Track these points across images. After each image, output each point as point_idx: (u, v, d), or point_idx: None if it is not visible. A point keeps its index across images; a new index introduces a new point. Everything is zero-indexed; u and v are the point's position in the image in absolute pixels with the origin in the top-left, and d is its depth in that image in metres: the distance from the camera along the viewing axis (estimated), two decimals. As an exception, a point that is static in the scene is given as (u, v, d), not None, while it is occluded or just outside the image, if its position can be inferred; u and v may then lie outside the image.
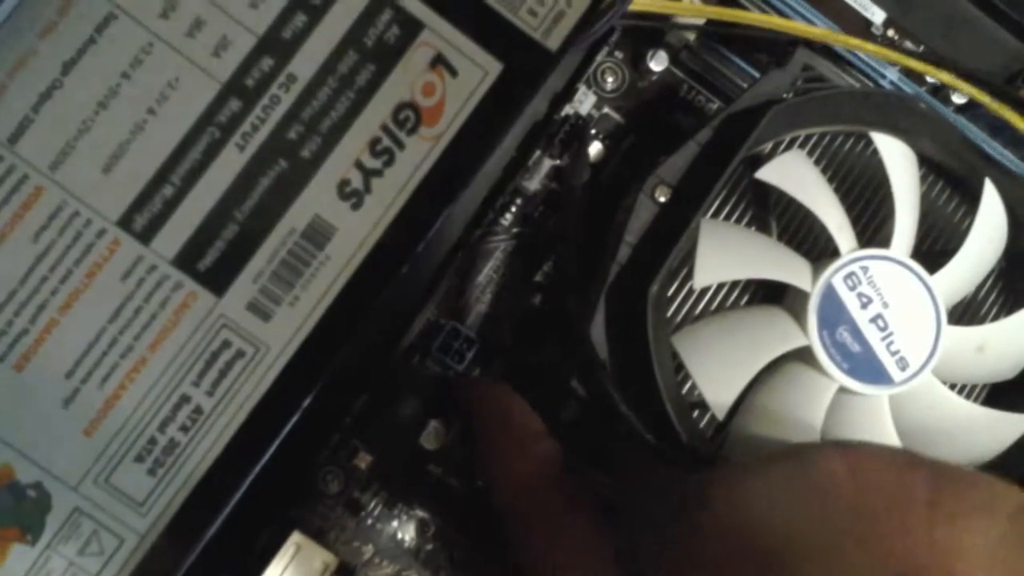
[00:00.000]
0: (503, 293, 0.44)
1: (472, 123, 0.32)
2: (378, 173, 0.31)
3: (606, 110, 0.45)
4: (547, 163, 0.45)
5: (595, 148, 0.45)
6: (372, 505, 0.42)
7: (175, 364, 0.31)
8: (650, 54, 0.45)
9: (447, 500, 0.43)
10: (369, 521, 0.42)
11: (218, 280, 0.31)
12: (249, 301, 0.31)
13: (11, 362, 0.30)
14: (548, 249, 0.45)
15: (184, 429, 0.31)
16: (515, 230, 0.45)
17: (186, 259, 0.31)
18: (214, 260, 0.31)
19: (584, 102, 0.44)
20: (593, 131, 0.45)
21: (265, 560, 0.39)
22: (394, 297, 0.36)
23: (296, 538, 0.40)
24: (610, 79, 0.45)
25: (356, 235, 0.32)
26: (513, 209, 0.45)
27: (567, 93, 0.44)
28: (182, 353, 0.31)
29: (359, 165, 0.31)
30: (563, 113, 0.45)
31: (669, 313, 0.41)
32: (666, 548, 0.31)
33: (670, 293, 0.42)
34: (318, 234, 0.31)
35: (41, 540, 0.30)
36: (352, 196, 0.32)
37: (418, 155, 0.32)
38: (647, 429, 0.39)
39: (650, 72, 0.45)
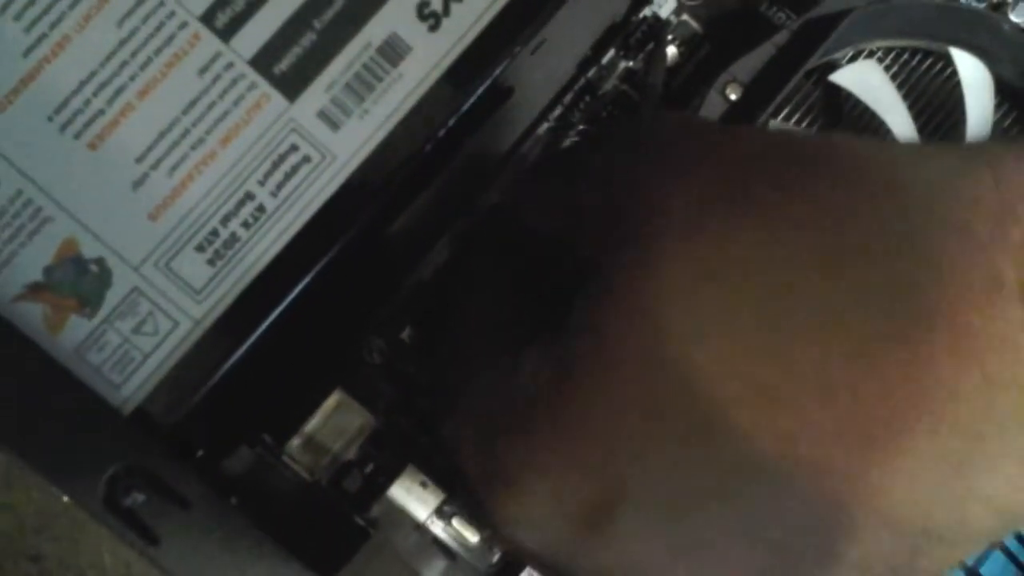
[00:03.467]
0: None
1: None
2: (458, -1, 0.32)
3: (684, 17, 0.45)
4: (621, 65, 0.45)
5: (670, 53, 0.45)
6: (413, 378, 0.43)
7: (243, 162, 0.32)
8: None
9: None
10: (411, 394, 0.43)
11: (292, 85, 0.32)
12: (320, 109, 0.32)
13: (86, 140, 0.31)
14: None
15: (246, 225, 0.32)
16: (581, 127, 0.45)
17: (263, 61, 0.32)
18: (290, 65, 0.32)
19: (663, 6, 0.45)
20: (669, 36, 0.45)
21: (305, 412, 0.39)
22: (459, 176, 0.37)
23: (338, 395, 0.40)
24: (692, -16, 0.45)
25: (430, 57, 0.32)
26: (582, 107, 0.45)
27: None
28: (250, 152, 0.32)
29: (440, -11, 0.32)
30: (641, 15, 0.45)
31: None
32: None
33: None
34: (393, 51, 0.32)
35: (98, 314, 0.31)
36: (430, 18, 0.33)
37: (497, -11, 0.32)
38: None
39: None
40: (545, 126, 0.44)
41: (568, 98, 0.43)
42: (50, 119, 0.31)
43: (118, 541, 0.39)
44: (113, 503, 0.29)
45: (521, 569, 0.41)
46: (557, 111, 0.44)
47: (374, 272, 0.40)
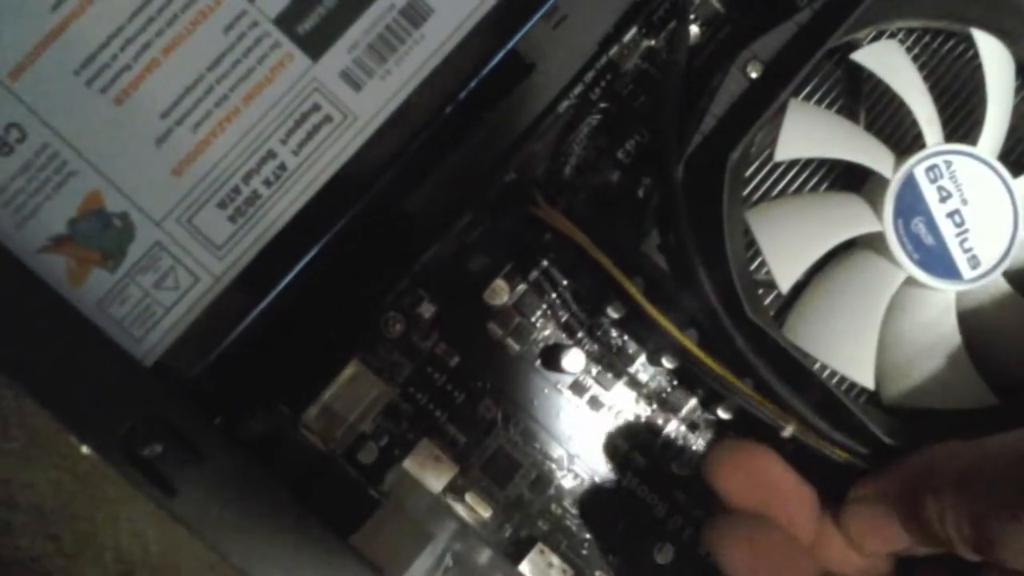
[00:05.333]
0: (583, 166, 0.45)
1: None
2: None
3: (707, -5, 0.45)
4: (643, 43, 0.45)
5: (692, 31, 0.46)
6: (429, 353, 0.43)
7: (265, 120, 0.32)
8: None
9: (503, 360, 0.43)
10: (428, 369, 0.43)
11: (315, 45, 0.32)
12: (343, 69, 0.32)
13: (112, 95, 0.32)
14: (633, 127, 0.45)
15: (267, 183, 0.32)
16: (602, 105, 0.45)
17: (287, 20, 0.32)
18: (313, 25, 0.32)
19: (686, -15, 0.45)
20: (691, 15, 0.45)
21: (322, 382, 0.40)
22: (480, 149, 0.37)
23: (355, 366, 0.40)
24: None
25: (452, 20, 0.33)
26: (603, 84, 0.45)
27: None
28: (273, 110, 0.32)
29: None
30: (664, -6, 0.45)
31: (746, 192, 0.42)
32: None
33: (749, 173, 0.42)
34: (416, 13, 0.33)
35: (121, 268, 0.32)
36: (453, -20, 0.33)
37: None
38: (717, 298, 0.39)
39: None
40: (566, 104, 0.44)
41: (590, 76, 0.43)
42: (77, 73, 0.31)
43: (135, 521, 0.40)
44: (132, 453, 0.29)
45: (530, 548, 0.41)
46: (578, 89, 0.43)
47: (394, 244, 0.40)
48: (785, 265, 0.40)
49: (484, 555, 0.34)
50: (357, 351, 0.42)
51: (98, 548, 0.47)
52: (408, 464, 0.41)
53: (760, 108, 0.41)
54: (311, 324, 0.39)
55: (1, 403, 0.45)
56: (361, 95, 0.32)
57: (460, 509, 0.41)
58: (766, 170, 0.42)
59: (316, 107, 0.32)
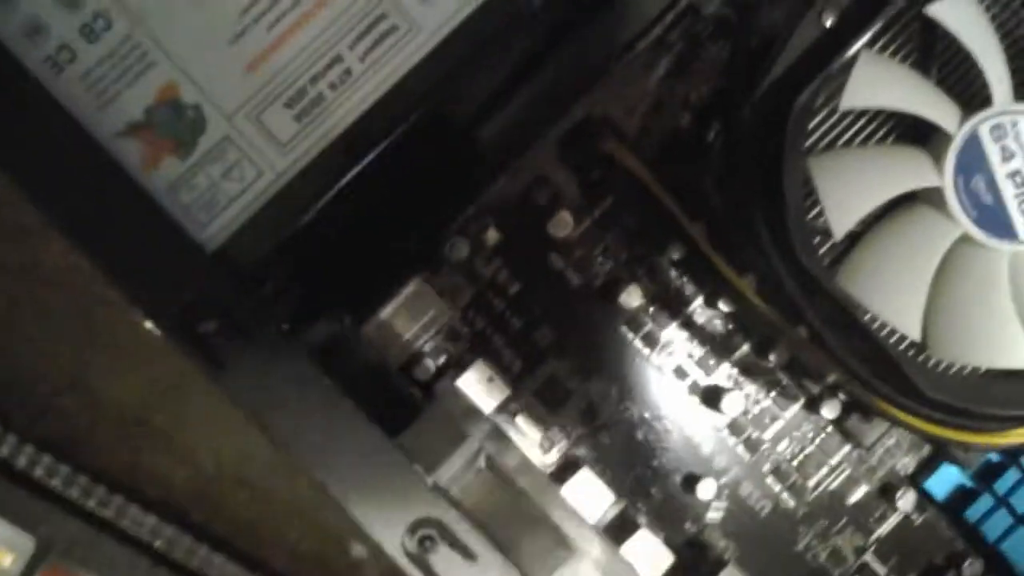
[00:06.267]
0: (657, 107, 0.46)
1: None
2: None
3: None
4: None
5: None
6: (491, 279, 0.44)
7: (335, 25, 0.34)
8: None
9: (562, 292, 0.45)
10: (488, 295, 0.44)
11: (388, -44, 0.33)
12: (413, -20, 0.34)
13: (192, -10, 0.33)
14: (709, 72, 0.46)
15: (333, 87, 0.34)
16: (680, 47, 0.46)
17: (364, -71, 0.33)
18: (388, -64, 0.33)
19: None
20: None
21: (384, 296, 0.41)
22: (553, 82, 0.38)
23: (416, 284, 0.42)
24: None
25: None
26: (683, 25, 0.45)
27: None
28: (343, 16, 0.34)
29: None
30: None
31: (812, 141, 0.42)
32: None
33: (817, 122, 0.43)
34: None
35: (191, 157, 0.34)
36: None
37: None
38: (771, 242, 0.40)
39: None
40: (644, 43, 0.44)
41: (670, 16, 0.44)
42: (163, -31, 0.33)
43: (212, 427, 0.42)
44: (187, 328, 0.31)
45: (577, 469, 0.42)
46: (658, 30, 0.44)
47: (463, 170, 0.41)
48: (841, 212, 0.41)
49: (515, 458, 0.35)
50: (420, 270, 0.43)
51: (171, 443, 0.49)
52: (461, 382, 0.42)
53: (830, 57, 0.42)
54: (375, 237, 0.40)
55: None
56: (427, 6, 0.34)
57: (511, 431, 0.42)
58: (833, 120, 0.43)
59: (384, 16, 0.34)
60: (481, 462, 0.35)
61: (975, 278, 0.41)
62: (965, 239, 0.41)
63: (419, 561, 0.32)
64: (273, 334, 0.31)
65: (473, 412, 0.36)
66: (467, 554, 0.31)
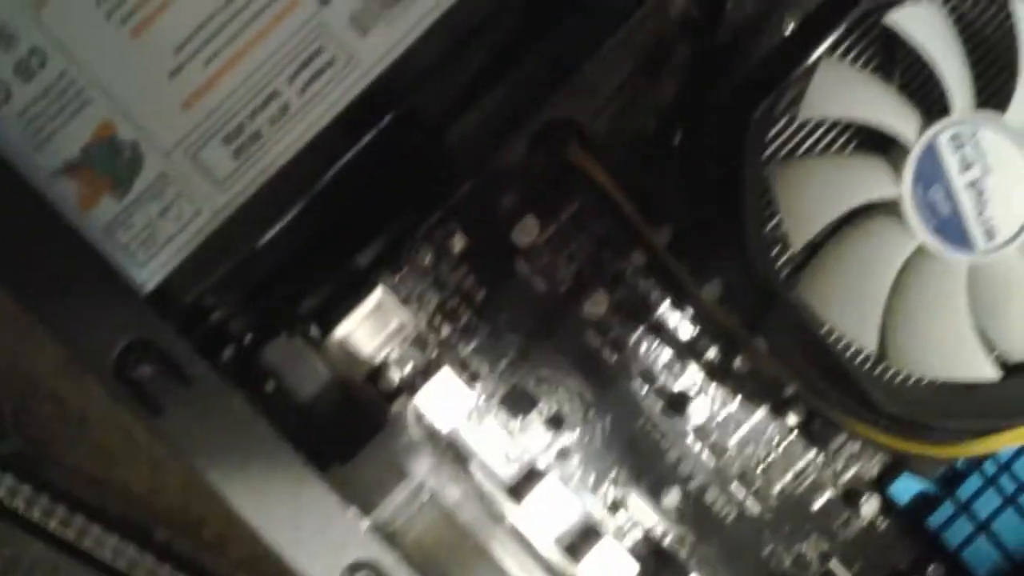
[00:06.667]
0: (623, 111, 0.45)
1: None
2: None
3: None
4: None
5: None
6: (456, 286, 0.44)
7: (273, 59, 0.33)
8: None
9: (528, 298, 0.45)
10: (453, 301, 0.44)
11: (326, -12, 0.33)
12: (351, 14, 0.33)
13: (130, 26, 0.33)
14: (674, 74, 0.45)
15: (272, 121, 0.33)
16: (647, 48, 0.45)
17: (299, -38, 0.33)
18: (325, -31, 0.33)
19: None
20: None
21: (345, 309, 0.41)
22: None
23: (379, 293, 0.42)
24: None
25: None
26: (650, 27, 0.45)
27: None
28: (281, 51, 0.33)
29: None
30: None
31: (773, 150, 0.42)
32: None
33: (778, 131, 0.42)
34: (425, -41, 0.33)
35: (129, 196, 0.33)
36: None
37: None
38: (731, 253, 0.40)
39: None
40: (610, 45, 0.44)
41: (637, 17, 0.44)
42: (98, 4, 0.33)
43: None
44: (123, 372, 0.31)
45: (542, 478, 0.43)
46: (623, 32, 0.44)
47: (429, 176, 0.41)
48: (799, 222, 0.41)
49: (458, 492, 0.36)
50: (384, 279, 0.43)
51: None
52: (424, 394, 0.41)
53: (789, 65, 0.41)
54: (335, 252, 0.40)
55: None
56: (367, 40, 0.33)
57: (475, 440, 0.42)
58: (793, 128, 0.43)
59: (322, 49, 0.33)
60: (425, 495, 0.35)
61: (933, 290, 0.41)
62: (923, 250, 0.40)
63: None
64: (212, 377, 0.31)
65: (418, 445, 0.36)
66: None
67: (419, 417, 0.41)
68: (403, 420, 0.39)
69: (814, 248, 0.41)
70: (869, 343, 0.41)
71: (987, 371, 0.40)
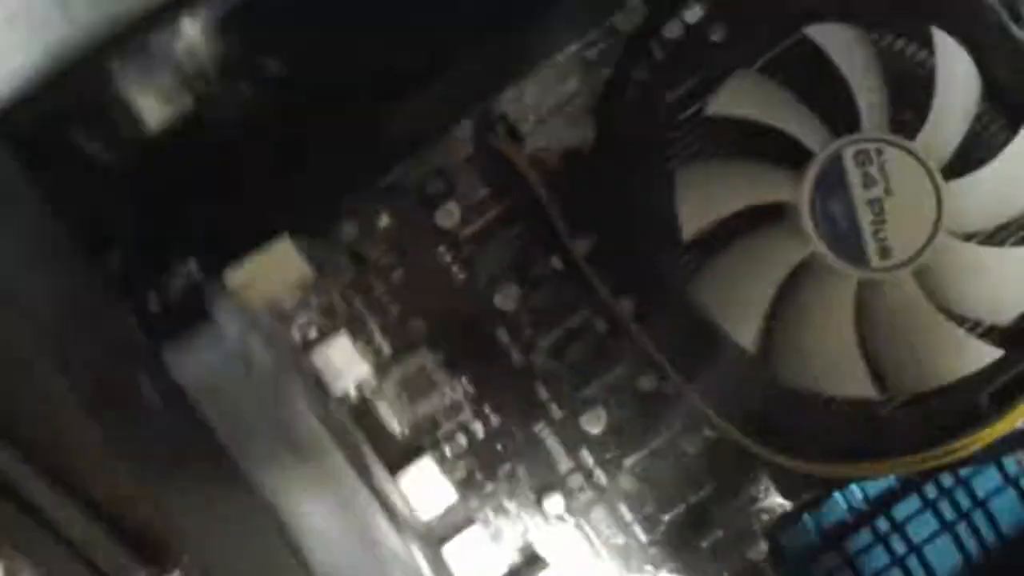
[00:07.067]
0: (566, 120, 0.47)
1: None
2: None
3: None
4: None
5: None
6: (376, 262, 0.45)
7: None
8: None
9: (448, 285, 0.45)
10: (369, 277, 0.45)
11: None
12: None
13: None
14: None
15: None
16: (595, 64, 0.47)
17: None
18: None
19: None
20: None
21: (246, 250, 0.42)
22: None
23: (285, 243, 0.42)
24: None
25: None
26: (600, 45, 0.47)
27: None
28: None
29: None
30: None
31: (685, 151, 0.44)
32: None
33: (686, 135, 0.45)
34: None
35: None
36: None
37: None
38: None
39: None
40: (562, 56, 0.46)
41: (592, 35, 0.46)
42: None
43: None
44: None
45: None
46: (576, 45, 0.47)
47: (367, 153, 0.43)
48: (691, 214, 0.42)
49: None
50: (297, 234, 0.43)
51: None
52: (319, 351, 0.42)
53: (693, 66, 0.44)
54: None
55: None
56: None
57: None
58: (704, 132, 0.44)
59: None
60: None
61: (822, 300, 0.41)
62: (818, 260, 0.40)
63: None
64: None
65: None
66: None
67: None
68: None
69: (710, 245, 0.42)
70: (747, 341, 0.41)
71: (867, 390, 0.40)
